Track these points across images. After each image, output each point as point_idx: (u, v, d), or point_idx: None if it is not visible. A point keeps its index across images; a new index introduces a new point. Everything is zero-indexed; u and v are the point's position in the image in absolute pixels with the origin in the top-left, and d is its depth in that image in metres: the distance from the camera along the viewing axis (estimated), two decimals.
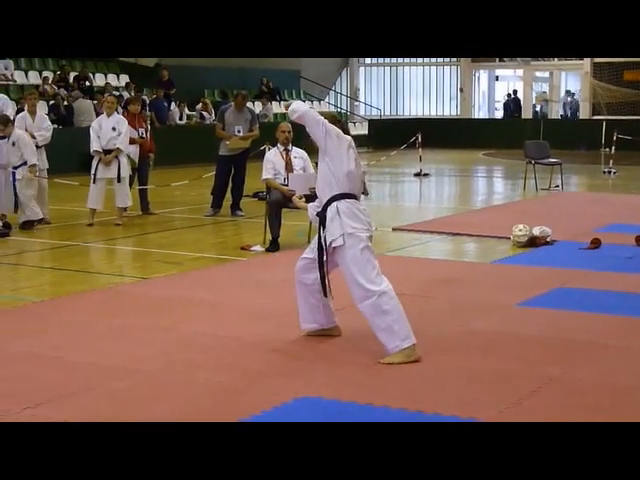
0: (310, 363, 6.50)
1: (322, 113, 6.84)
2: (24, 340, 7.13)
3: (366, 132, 33.71)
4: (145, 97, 25.50)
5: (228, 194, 14.66)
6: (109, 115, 13.68)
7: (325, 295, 6.81)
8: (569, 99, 36.42)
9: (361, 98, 39.57)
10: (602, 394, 5.84)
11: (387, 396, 5.75)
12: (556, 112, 36.80)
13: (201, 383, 6.04)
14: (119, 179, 13.51)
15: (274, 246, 11.19)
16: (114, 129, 13.49)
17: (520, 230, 11.47)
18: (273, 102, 30.64)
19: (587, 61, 34.59)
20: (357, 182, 6.69)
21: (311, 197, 11.16)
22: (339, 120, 6.85)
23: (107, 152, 13.44)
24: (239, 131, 14.33)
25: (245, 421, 5.22)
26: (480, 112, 39.31)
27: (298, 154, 11.60)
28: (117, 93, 23.46)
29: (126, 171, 13.69)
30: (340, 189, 6.60)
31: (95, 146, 13.44)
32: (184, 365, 6.43)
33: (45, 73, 25.83)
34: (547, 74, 38.00)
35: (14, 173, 12.88)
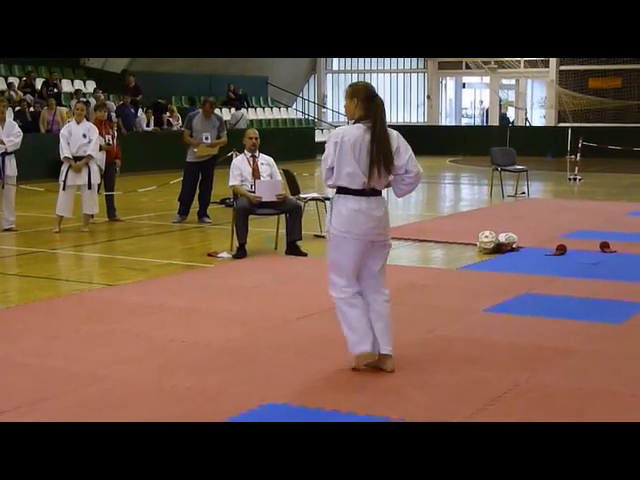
0: (278, 369, 6.51)
1: (356, 84, 6.57)
2: None
3: None
4: (113, 104, 25.42)
5: (195, 201, 14.64)
6: (79, 122, 13.61)
7: None
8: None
9: (328, 105, 39.62)
10: (568, 399, 5.88)
11: (354, 403, 5.77)
12: (522, 119, 37.02)
13: (169, 389, 6.04)
14: (89, 186, 13.46)
15: (241, 252, 11.19)
16: (84, 136, 13.43)
17: (486, 237, 11.53)
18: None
19: (552, 69, 34.82)
20: (359, 179, 6.29)
21: (278, 204, 11.24)
22: (372, 96, 6.34)
23: (77, 159, 13.39)
24: (207, 138, 14.33)
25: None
26: (447, 119, 39.48)
27: (265, 161, 11.63)
28: (84, 99, 23.33)
29: (96, 178, 13.65)
30: (340, 183, 6.35)
31: (65, 152, 13.37)
32: (153, 371, 6.43)
33: (11, 79, 25.69)
34: (513, 81, 38.23)
35: None
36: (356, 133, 6.30)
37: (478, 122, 38.99)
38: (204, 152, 14.32)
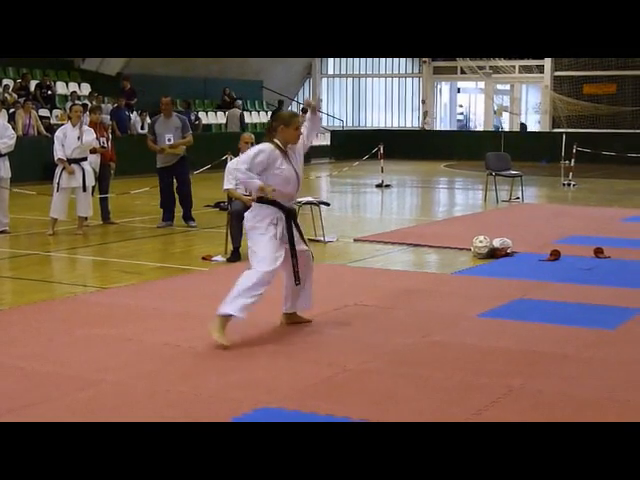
0: (272, 374, 6.50)
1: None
2: None
3: (328, 143, 33.77)
4: (108, 105, 25.40)
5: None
6: (75, 124, 13.57)
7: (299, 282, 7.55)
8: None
9: (323, 109, 39.63)
10: (562, 405, 5.87)
11: (348, 407, 5.76)
12: (517, 124, 37.10)
13: (162, 394, 6.02)
14: (84, 188, 13.44)
15: (235, 256, 11.18)
16: (79, 138, 13.41)
17: (480, 242, 11.53)
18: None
19: (547, 74, 34.91)
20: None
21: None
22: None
23: (72, 161, 13.37)
24: (169, 140, 13.90)
25: None
26: (442, 124, 39.53)
27: None
28: (79, 102, 23.32)
29: (91, 180, 13.63)
30: None
31: (59, 154, 13.35)
32: (146, 376, 6.40)
33: (5, 81, 25.66)
34: (508, 87, 38.30)
35: None
36: None
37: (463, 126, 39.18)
38: (169, 153, 13.98)
